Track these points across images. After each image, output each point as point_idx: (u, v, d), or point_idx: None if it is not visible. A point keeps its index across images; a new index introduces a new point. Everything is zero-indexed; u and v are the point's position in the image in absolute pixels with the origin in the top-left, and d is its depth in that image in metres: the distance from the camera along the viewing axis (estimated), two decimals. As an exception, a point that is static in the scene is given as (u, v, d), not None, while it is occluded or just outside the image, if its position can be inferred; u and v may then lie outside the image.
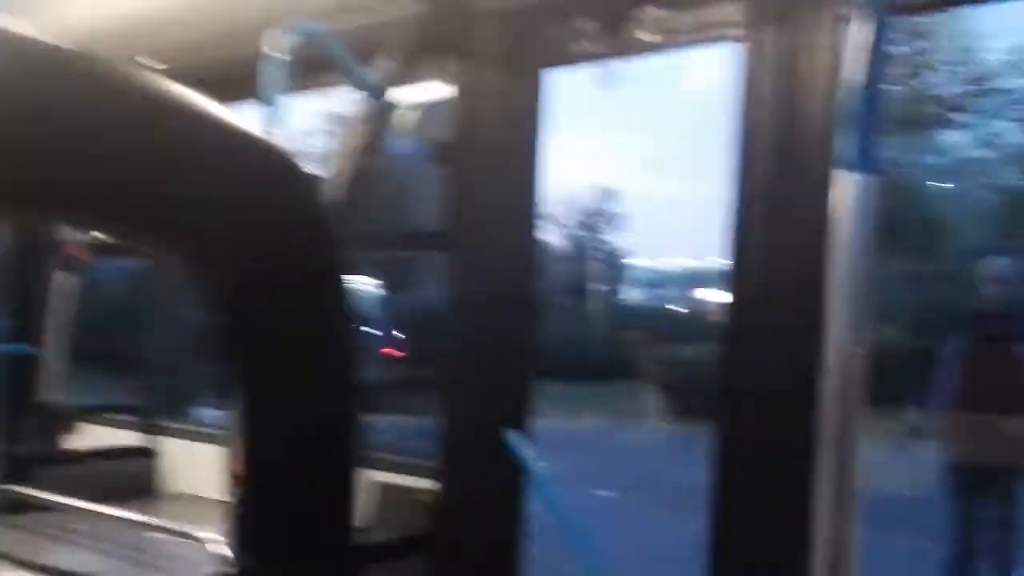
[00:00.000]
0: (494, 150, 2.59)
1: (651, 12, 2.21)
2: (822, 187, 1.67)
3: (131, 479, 3.61)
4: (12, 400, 4.37)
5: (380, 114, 2.69)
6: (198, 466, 3.55)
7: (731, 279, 1.99)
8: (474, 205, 2.60)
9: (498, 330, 2.48)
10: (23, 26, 0.28)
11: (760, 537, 1.92)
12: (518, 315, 2.52)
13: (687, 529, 2.59)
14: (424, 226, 3.57)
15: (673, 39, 2.21)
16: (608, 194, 23.50)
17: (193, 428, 3.82)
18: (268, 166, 0.36)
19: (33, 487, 3.22)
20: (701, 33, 2.15)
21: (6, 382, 4.50)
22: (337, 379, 0.40)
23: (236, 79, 3.55)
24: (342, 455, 0.39)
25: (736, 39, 2.01)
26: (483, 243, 2.56)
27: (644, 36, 2.25)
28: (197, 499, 3.47)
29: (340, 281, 0.39)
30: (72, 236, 3.98)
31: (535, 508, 2.43)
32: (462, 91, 2.71)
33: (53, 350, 4.00)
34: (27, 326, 4.40)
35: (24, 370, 4.33)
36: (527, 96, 2.57)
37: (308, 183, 0.40)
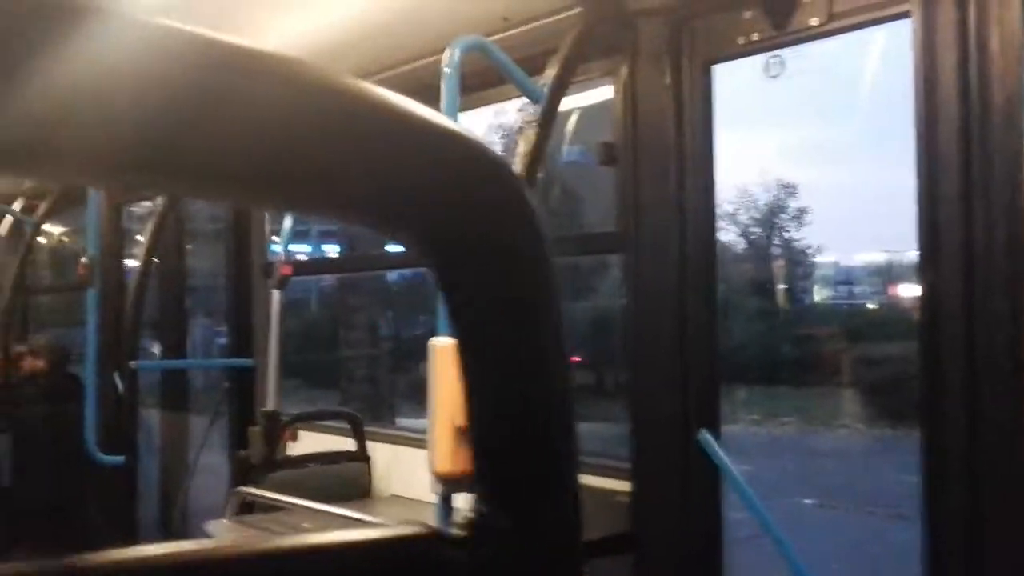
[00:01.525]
0: (664, 149, 2.57)
1: (818, -5, 2.12)
2: (1014, 169, 1.55)
3: (346, 482, 3.85)
4: (239, 410, 4.80)
5: (548, 121, 2.74)
6: (406, 469, 3.75)
7: (923, 271, 1.89)
8: (648, 206, 2.60)
9: (681, 332, 2.47)
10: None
11: (981, 549, 1.79)
12: (701, 317, 2.50)
13: (896, 539, 2.48)
14: (594, 229, 3.60)
15: (843, 21, 2.12)
16: (787, 188, 22.43)
17: (400, 433, 4.02)
18: (484, 165, 0.39)
19: (261, 489, 3.52)
20: (872, 13, 2.05)
21: (233, 393, 4.94)
22: (557, 376, 0.43)
23: (411, 96, 3.73)
24: (567, 449, 0.43)
25: (910, 15, 1.90)
26: (660, 244, 2.56)
27: (813, 20, 2.17)
28: (408, 501, 3.66)
29: (554, 277, 0.42)
30: (282, 256, 4.29)
31: (733, 511, 2.41)
32: (628, 91, 2.71)
33: (271, 362, 4.32)
34: (246, 341, 4.82)
35: (246, 382, 4.74)
36: (695, 92, 2.54)
37: (522, 184, 0.43)
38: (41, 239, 6.63)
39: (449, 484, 2.18)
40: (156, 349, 5.59)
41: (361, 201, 0.36)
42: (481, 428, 0.43)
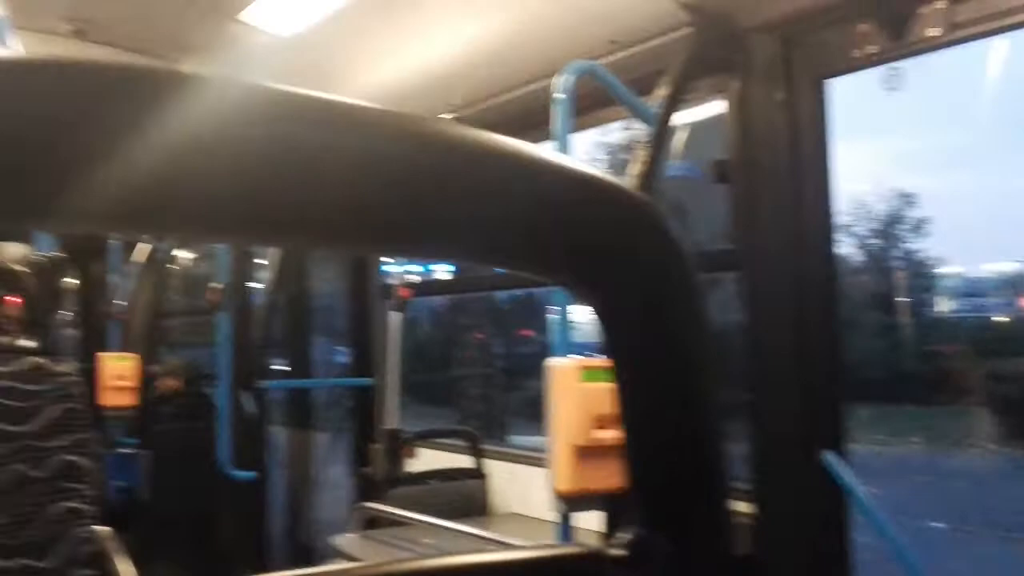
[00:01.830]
0: (779, 165, 2.56)
1: (936, 6, 2.08)
2: None
3: (465, 498, 3.92)
4: (361, 427, 4.96)
5: (660, 141, 2.75)
6: (523, 487, 3.80)
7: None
8: (763, 222, 2.58)
9: (802, 350, 2.44)
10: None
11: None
12: (821, 334, 2.46)
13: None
14: (701, 243, 3.58)
15: (963, 32, 2.07)
16: (907, 198, 21.54)
17: (515, 451, 4.07)
18: (631, 206, 0.41)
19: (384, 504, 3.63)
20: (993, 23, 2.00)
21: (354, 412, 5.11)
22: (711, 400, 0.46)
23: (520, 122, 3.81)
24: (721, 472, 0.45)
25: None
26: (776, 260, 2.54)
27: (932, 32, 2.13)
28: (525, 518, 3.70)
29: (704, 307, 0.44)
30: (400, 278, 4.43)
31: (860, 534, 2.36)
32: (741, 108, 2.71)
33: (390, 381, 4.45)
34: (366, 360, 4.98)
35: (367, 400, 4.90)
36: (809, 107, 2.52)
37: (669, 220, 0.45)
38: (173, 265, 7.01)
39: (570, 503, 2.22)
40: (281, 368, 5.82)
41: (521, 251, 0.39)
42: (638, 451, 0.46)
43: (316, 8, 3.77)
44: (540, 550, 0.53)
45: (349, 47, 3.93)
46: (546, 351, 2.44)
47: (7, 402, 2.16)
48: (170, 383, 5.68)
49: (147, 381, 5.24)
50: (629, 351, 0.42)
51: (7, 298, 2.13)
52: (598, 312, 0.42)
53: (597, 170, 0.43)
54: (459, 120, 3.93)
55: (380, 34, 3.77)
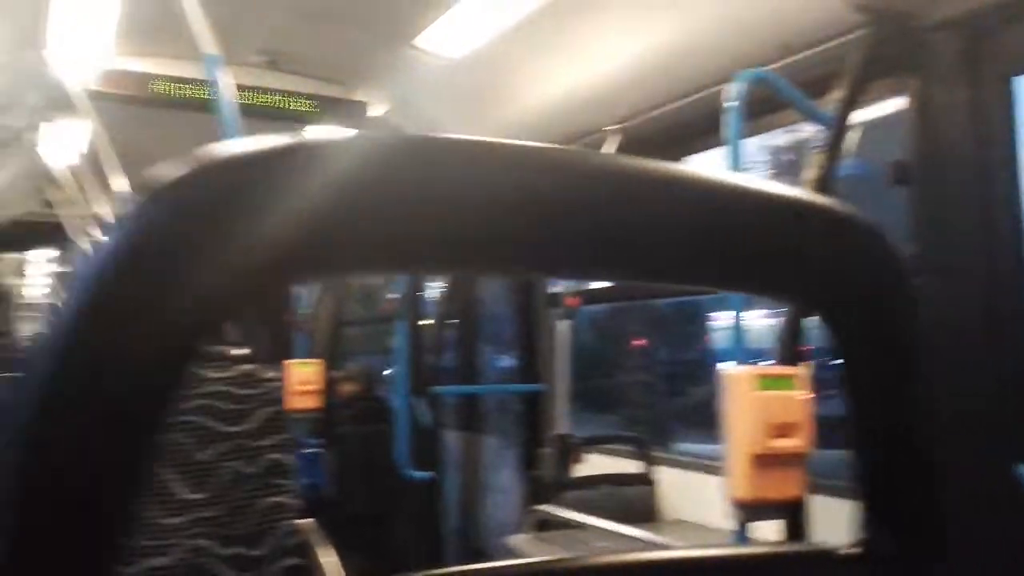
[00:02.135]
0: (965, 167, 2.47)
1: None
2: None
3: (633, 504, 3.95)
4: (530, 432, 5.08)
5: (837, 145, 2.71)
6: (692, 494, 3.79)
7: None
8: (949, 226, 2.50)
9: (991, 359, 2.34)
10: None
11: None
12: (1013, 341, 2.36)
13: None
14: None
15: None
16: None
17: (685, 458, 4.06)
18: (860, 231, 0.43)
19: (556, 507, 3.71)
20: None
21: (524, 417, 5.24)
22: (931, 411, 0.49)
23: (687, 131, 3.82)
24: (941, 477, 0.48)
25: None
26: (964, 265, 2.45)
27: None
28: (694, 525, 3.70)
29: (920, 322, 0.47)
30: (567, 287, 4.52)
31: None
32: (922, 108, 2.63)
33: (559, 387, 4.54)
34: (532, 367, 5.09)
35: (535, 406, 5.01)
36: (996, 106, 2.42)
37: (893, 244, 0.47)
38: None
39: (747, 511, 2.22)
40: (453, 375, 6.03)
41: (761, 278, 0.41)
42: (868, 455, 0.49)
43: (485, 30, 3.92)
44: (767, 547, 0.57)
45: (517, 65, 4.06)
46: (708, 357, 2.45)
47: (223, 405, 2.39)
48: (350, 388, 5.99)
49: (329, 386, 5.55)
50: (858, 361, 0.46)
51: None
52: (833, 335, 0.45)
53: (801, 191, 0.44)
54: (624, 132, 3.98)
55: (547, 51, 3.87)
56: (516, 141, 0.37)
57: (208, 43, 2.54)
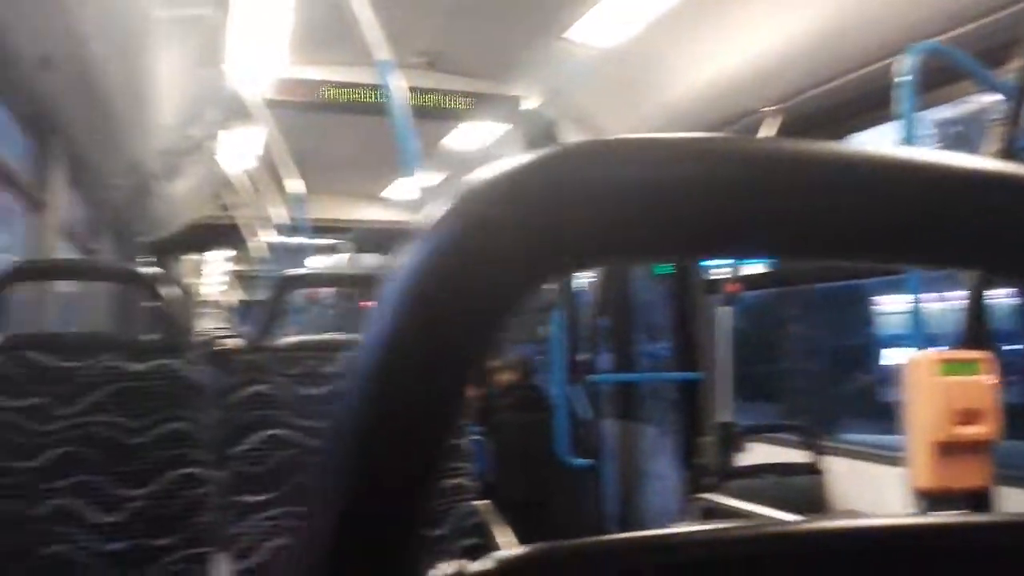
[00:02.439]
0: None
1: None
2: None
3: (801, 494, 3.85)
4: (689, 420, 5.04)
5: (1016, 114, 2.57)
6: (864, 484, 3.67)
7: None
8: None
9: None
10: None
11: None
12: None
13: None
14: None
15: None
16: None
17: (857, 447, 3.94)
18: None
19: (720, 496, 3.67)
20: None
21: (682, 405, 5.20)
22: None
23: (850, 108, 3.69)
24: None
25: None
26: None
27: None
28: (867, 517, 3.58)
29: None
30: (727, 273, 4.45)
31: None
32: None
33: (719, 374, 4.48)
34: (691, 354, 5.05)
35: (693, 394, 4.97)
36: None
37: None
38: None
39: (930, 501, 2.15)
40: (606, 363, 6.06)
41: (966, 252, 0.42)
42: None
43: (636, 19, 3.92)
44: (960, 517, 0.55)
45: (669, 52, 4.04)
46: (874, 342, 2.36)
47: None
48: (508, 377, 6.11)
49: (487, 375, 5.68)
50: None
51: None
52: None
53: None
54: (784, 112, 3.89)
55: (699, 36, 3.83)
56: (740, 136, 0.41)
57: (380, 49, 2.67)
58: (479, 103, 4.92)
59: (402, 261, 0.35)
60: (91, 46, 2.80)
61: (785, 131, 3.90)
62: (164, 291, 2.28)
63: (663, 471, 5.48)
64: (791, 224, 0.37)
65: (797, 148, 0.39)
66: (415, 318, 0.34)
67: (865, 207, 0.38)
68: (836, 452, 3.92)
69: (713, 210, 0.35)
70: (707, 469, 4.12)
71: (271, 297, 2.50)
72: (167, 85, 3.64)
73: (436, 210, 0.36)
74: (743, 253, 0.41)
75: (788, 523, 0.52)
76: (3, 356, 2.13)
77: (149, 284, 2.32)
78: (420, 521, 0.36)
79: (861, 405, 7.23)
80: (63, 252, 3.86)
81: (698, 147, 0.36)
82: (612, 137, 0.37)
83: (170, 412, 2.23)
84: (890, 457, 3.56)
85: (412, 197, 7.49)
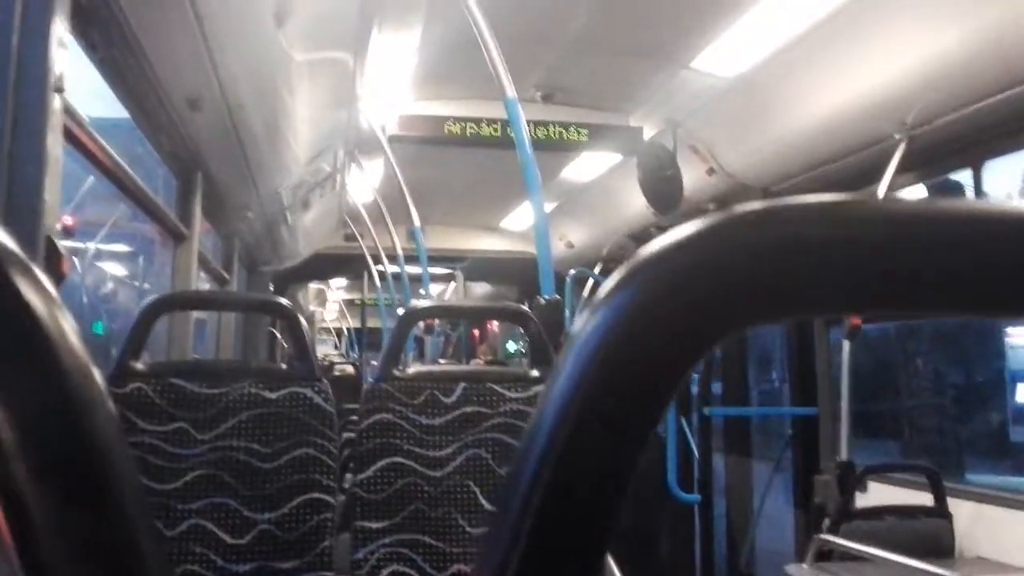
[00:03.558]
0: None
1: None
2: None
3: (924, 538, 3.70)
4: (804, 457, 4.92)
5: None
6: (995, 530, 3.51)
7: None
8: None
9: None
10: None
11: None
12: None
13: None
14: None
15: None
16: None
17: (985, 491, 3.77)
18: None
19: (838, 538, 3.57)
20: None
21: (797, 441, 5.08)
22: None
23: (989, 132, 3.57)
24: None
25: None
26: None
27: None
28: (997, 564, 3.42)
29: None
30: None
31: None
32: None
33: (840, 411, 4.36)
34: (807, 389, 4.94)
35: (809, 430, 4.85)
36: None
37: None
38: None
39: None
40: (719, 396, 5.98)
41: None
42: None
43: (762, 48, 3.91)
44: None
45: (795, 79, 4.00)
46: (1005, 378, 2.27)
47: (521, 423, 2.57)
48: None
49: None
50: None
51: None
52: None
53: None
54: (911, 139, 3.79)
55: (825, 62, 3.78)
56: (898, 199, 0.43)
57: (507, 86, 2.76)
58: (597, 134, 4.98)
59: (586, 322, 0.40)
60: (236, 88, 2.99)
61: (913, 158, 3.81)
62: (296, 321, 2.41)
63: (777, 510, 5.36)
64: (956, 281, 0.39)
65: (952, 207, 0.41)
66: (600, 378, 0.39)
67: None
68: (962, 495, 3.76)
69: (876, 269, 0.38)
70: (825, 509, 4.02)
71: (396, 327, 2.60)
72: (301, 123, 3.84)
73: (619, 275, 0.40)
74: (904, 308, 0.44)
75: (914, 568, 0.54)
76: (149, 382, 2.26)
77: (286, 315, 2.44)
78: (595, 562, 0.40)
79: (989, 444, 6.89)
80: (200, 280, 4.10)
81: (861, 209, 0.40)
82: (781, 201, 0.40)
83: (300, 438, 2.34)
84: (1020, 501, 3.40)
85: (527, 226, 7.61)
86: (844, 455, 4.25)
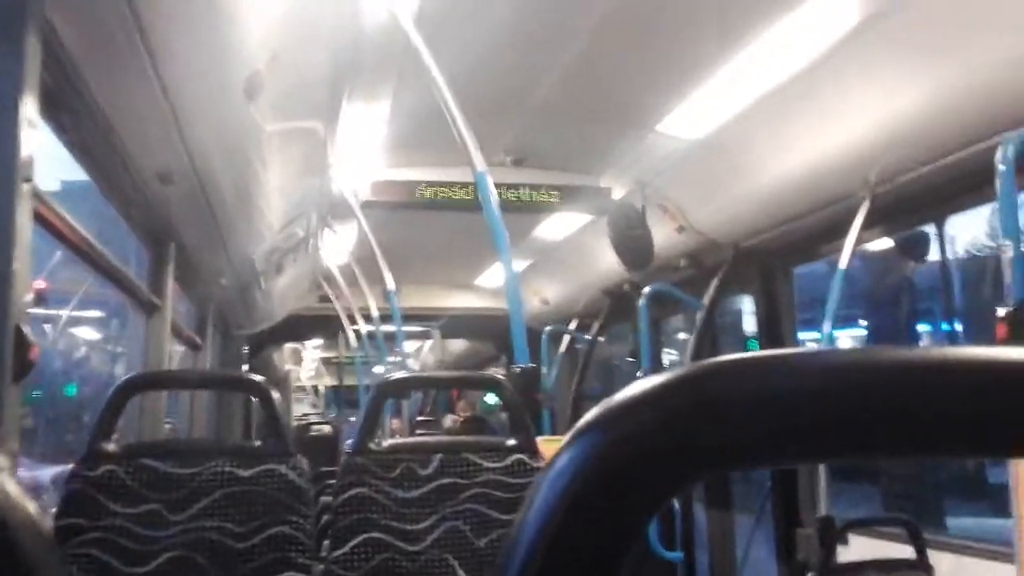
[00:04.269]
0: None
1: None
2: None
3: (907, 592, 3.70)
4: (784, 511, 4.90)
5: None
6: (976, 583, 3.51)
7: None
8: None
9: None
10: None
11: None
12: None
13: None
14: None
15: None
16: None
17: (962, 543, 3.78)
18: None
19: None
20: None
21: (779, 494, 5.07)
22: None
23: (947, 190, 3.64)
24: None
25: None
26: None
27: None
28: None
29: None
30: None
31: None
32: None
33: (820, 466, 4.36)
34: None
35: (788, 483, 4.84)
36: None
37: None
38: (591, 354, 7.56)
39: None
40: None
41: None
42: None
43: (726, 109, 3.99)
44: None
45: (759, 140, 4.07)
46: None
47: (500, 494, 2.54)
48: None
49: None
50: None
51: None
52: None
53: None
54: (874, 198, 3.86)
55: (790, 121, 3.86)
56: (869, 349, 0.45)
57: (476, 159, 2.80)
58: (568, 195, 5.04)
59: (555, 464, 0.40)
60: (207, 160, 3.00)
61: (878, 214, 3.87)
62: (268, 398, 2.39)
63: (760, 564, 5.32)
64: (927, 427, 0.40)
65: (915, 355, 0.42)
66: (567, 517, 0.39)
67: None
68: (943, 547, 3.76)
69: (846, 417, 0.39)
70: (807, 565, 4.00)
71: (370, 401, 2.59)
72: (273, 191, 3.85)
73: (588, 418, 0.41)
74: (878, 454, 0.46)
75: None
76: (121, 464, 2.23)
77: (260, 393, 2.43)
78: None
79: (967, 487, 6.93)
80: (172, 348, 4.06)
81: (825, 361, 0.41)
82: (742, 355, 0.41)
83: (275, 516, 2.31)
84: (999, 552, 3.40)
85: (502, 283, 7.62)
86: (824, 509, 4.24)
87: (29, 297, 1.73)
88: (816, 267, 5.22)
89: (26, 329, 1.65)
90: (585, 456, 0.40)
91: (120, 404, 2.27)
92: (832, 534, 3.96)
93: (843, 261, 3.93)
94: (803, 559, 4.07)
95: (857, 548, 4.02)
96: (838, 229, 4.05)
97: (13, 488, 0.38)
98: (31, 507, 0.38)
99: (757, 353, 0.40)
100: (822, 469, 4.34)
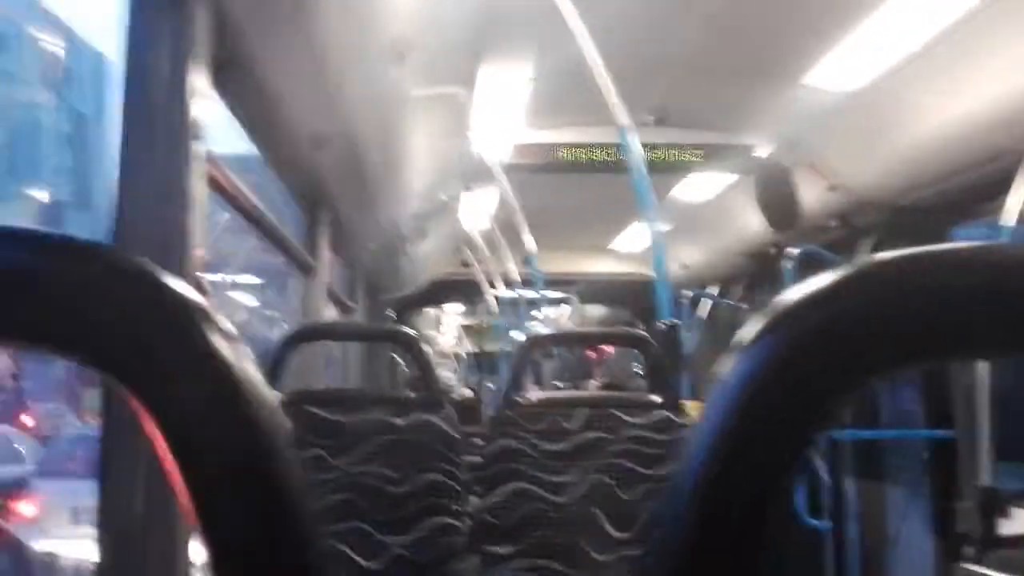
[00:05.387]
0: None
1: None
2: None
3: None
4: (942, 483, 4.69)
5: None
6: None
7: None
8: None
9: None
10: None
11: None
12: None
13: None
14: None
15: None
16: None
17: None
18: None
19: (981, 568, 3.39)
20: None
21: (936, 466, 4.85)
22: None
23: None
24: None
25: None
26: None
27: None
28: None
29: None
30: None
31: None
32: None
33: (981, 435, 4.16)
34: (941, 410, 4.71)
35: (946, 454, 4.62)
36: None
37: None
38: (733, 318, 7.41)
39: None
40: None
41: None
42: None
43: (879, 62, 3.80)
44: None
45: (914, 93, 3.87)
46: None
47: (645, 449, 2.55)
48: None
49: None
50: None
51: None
52: None
53: None
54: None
55: (947, 74, 3.65)
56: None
57: (615, 110, 2.78)
58: (711, 155, 4.94)
59: (732, 367, 0.41)
60: (357, 125, 3.10)
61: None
62: (421, 352, 2.47)
63: (914, 538, 5.12)
64: None
65: None
66: (746, 418, 0.40)
67: None
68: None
69: (1002, 312, 0.38)
70: (967, 538, 3.83)
71: (517, 355, 2.63)
72: (419, 155, 3.95)
73: (762, 321, 0.41)
74: None
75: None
76: (288, 411, 2.36)
77: (412, 345, 2.51)
78: None
79: None
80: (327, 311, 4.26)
81: (989, 254, 0.40)
82: (913, 249, 0.40)
83: (428, 463, 2.39)
84: None
85: (638, 247, 7.57)
86: (985, 480, 4.05)
87: (202, 252, 1.84)
88: (974, 232, 4.93)
89: (204, 285, 1.76)
90: (765, 355, 0.40)
91: (287, 354, 2.39)
92: (995, 506, 3.77)
93: (1009, 218, 3.69)
94: (963, 532, 3.89)
95: (1021, 522, 3.83)
96: (1002, 184, 3.81)
97: (243, 350, 0.42)
98: (256, 373, 0.42)
99: (927, 248, 0.40)
100: (984, 437, 4.13)
